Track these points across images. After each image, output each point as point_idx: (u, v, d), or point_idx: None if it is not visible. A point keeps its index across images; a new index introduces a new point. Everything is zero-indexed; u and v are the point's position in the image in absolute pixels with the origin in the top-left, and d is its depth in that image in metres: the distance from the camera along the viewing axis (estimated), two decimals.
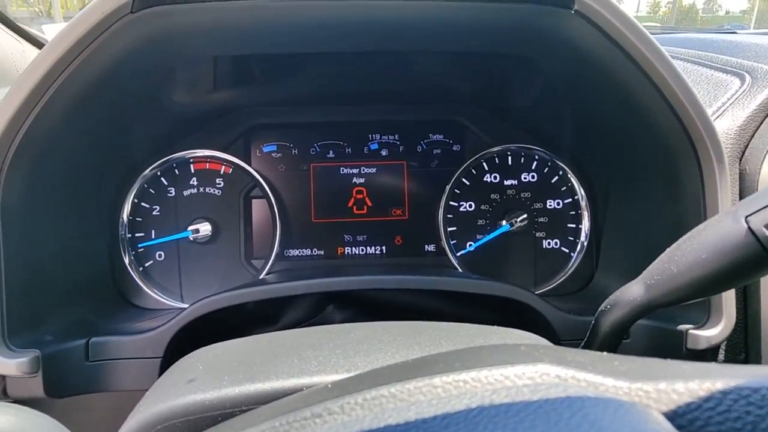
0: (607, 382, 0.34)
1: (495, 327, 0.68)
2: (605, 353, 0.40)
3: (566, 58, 0.82)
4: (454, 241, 1.14)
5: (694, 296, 0.62)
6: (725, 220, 0.60)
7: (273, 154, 1.15)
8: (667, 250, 0.64)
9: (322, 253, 1.15)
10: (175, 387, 0.54)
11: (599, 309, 0.70)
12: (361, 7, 0.76)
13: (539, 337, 0.68)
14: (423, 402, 0.33)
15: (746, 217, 0.58)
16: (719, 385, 0.32)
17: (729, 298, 0.79)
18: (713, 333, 0.79)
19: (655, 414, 0.31)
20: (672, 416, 0.31)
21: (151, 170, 1.08)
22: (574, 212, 1.14)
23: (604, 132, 0.98)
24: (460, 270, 1.13)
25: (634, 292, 0.66)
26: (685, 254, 0.61)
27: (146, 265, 1.08)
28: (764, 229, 0.56)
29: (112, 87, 0.80)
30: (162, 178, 1.09)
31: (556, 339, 0.87)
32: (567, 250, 1.14)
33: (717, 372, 0.34)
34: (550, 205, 1.14)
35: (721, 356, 0.89)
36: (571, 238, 1.14)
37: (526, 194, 1.15)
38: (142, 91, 0.90)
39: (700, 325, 0.80)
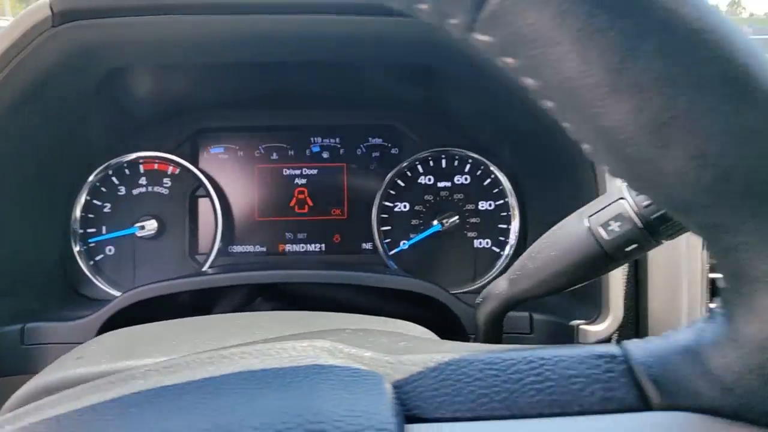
0: (366, 354, 0.40)
1: (385, 318, 0.73)
2: (431, 339, 0.46)
3: (465, 68, 0.88)
4: (388, 240, 1.19)
5: (549, 292, 0.67)
6: (574, 219, 0.65)
7: (220, 156, 1.22)
8: (530, 247, 0.69)
9: (265, 249, 1.22)
10: (64, 363, 0.61)
11: (475, 301, 0.75)
12: (279, 22, 0.82)
13: (424, 329, 0.73)
14: (206, 368, 0.39)
15: (589, 216, 0.63)
16: (446, 357, 0.37)
17: (616, 294, 0.83)
18: (601, 328, 0.83)
19: (384, 381, 0.36)
20: (402, 384, 0.37)
21: (103, 170, 1.15)
22: (504, 213, 1.19)
23: (519, 137, 1.03)
24: (395, 267, 1.18)
25: (500, 286, 0.71)
26: (540, 251, 0.66)
27: (97, 258, 1.16)
28: (599, 228, 0.61)
29: (47, 96, 0.87)
30: (113, 178, 1.17)
31: (463, 332, 0.92)
32: (498, 250, 1.19)
33: (456, 348, 0.40)
34: (482, 207, 1.20)
35: None
36: (502, 238, 1.19)
37: (459, 196, 1.20)
38: (81, 97, 0.97)
39: (591, 321, 0.85)
